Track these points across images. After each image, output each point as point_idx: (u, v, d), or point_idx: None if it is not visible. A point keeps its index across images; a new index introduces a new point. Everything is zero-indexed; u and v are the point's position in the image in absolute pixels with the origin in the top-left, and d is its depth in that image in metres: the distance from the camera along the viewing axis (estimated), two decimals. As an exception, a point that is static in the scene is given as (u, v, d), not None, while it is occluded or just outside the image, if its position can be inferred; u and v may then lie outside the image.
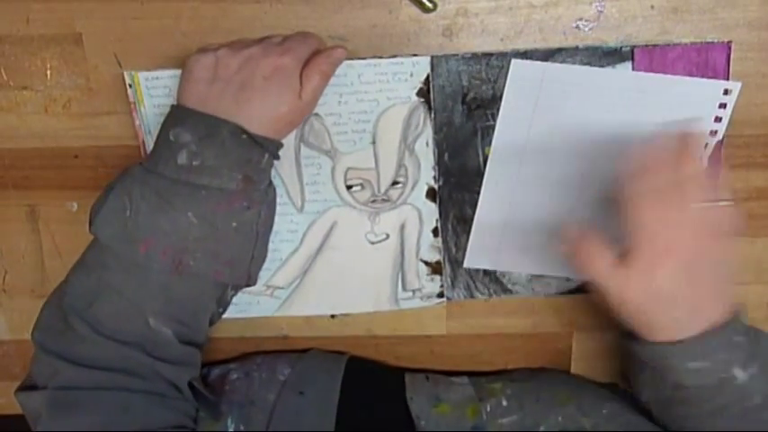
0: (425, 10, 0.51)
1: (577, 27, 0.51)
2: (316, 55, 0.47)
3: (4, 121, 0.55)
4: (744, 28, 0.50)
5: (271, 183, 0.50)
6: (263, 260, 0.51)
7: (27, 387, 0.48)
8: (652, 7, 0.50)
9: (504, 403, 0.53)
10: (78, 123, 0.55)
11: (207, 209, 0.44)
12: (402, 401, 0.53)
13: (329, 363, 0.58)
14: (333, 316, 0.60)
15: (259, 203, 0.47)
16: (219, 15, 0.52)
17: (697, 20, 0.50)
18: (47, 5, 0.52)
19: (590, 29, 0.51)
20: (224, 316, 0.54)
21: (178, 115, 0.46)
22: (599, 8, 0.51)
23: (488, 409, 0.53)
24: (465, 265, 0.57)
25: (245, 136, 0.44)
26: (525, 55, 0.51)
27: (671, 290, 0.41)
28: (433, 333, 0.62)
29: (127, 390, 0.45)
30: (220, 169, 0.44)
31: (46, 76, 0.54)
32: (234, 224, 0.46)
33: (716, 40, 0.50)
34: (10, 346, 0.64)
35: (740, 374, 0.43)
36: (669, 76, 0.50)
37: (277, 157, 0.48)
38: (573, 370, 0.63)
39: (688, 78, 0.50)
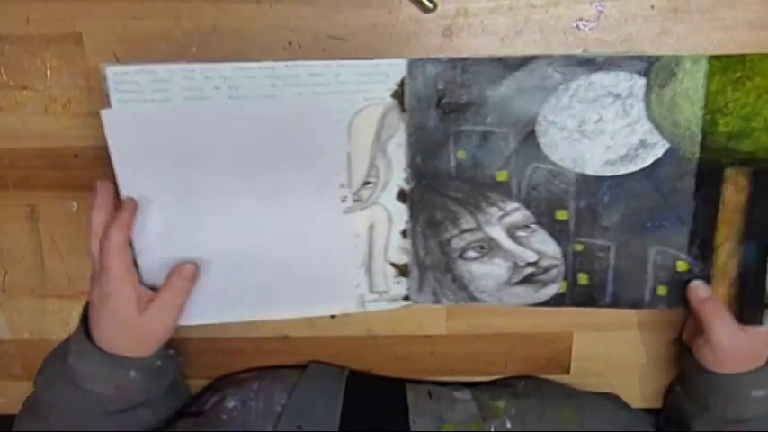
0: (425, 10, 0.51)
1: (577, 27, 0.51)
2: (170, 274, 0.50)
3: (4, 121, 0.55)
4: (744, 28, 0.50)
5: (167, 385, 0.54)
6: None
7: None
8: (652, 7, 0.50)
9: (508, 425, 0.54)
10: (78, 123, 0.55)
11: (91, 406, 0.50)
12: (405, 426, 0.53)
13: (327, 388, 0.57)
14: (333, 316, 0.60)
15: (140, 406, 0.51)
16: (219, 15, 0.52)
17: (697, 20, 0.50)
18: (47, 5, 0.52)
19: (590, 29, 0.51)
20: (203, 323, 0.54)
21: (79, 322, 0.51)
22: (599, 8, 0.51)
23: (492, 429, 0.53)
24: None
25: (104, 356, 0.49)
26: (500, 62, 0.50)
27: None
28: (432, 333, 0.62)
29: None
30: (96, 379, 0.49)
31: (46, 76, 0.54)
32: (115, 420, 0.51)
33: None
34: (10, 346, 0.64)
35: None
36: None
37: (149, 372, 0.51)
38: (573, 370, 0.63)
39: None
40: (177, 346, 0.56)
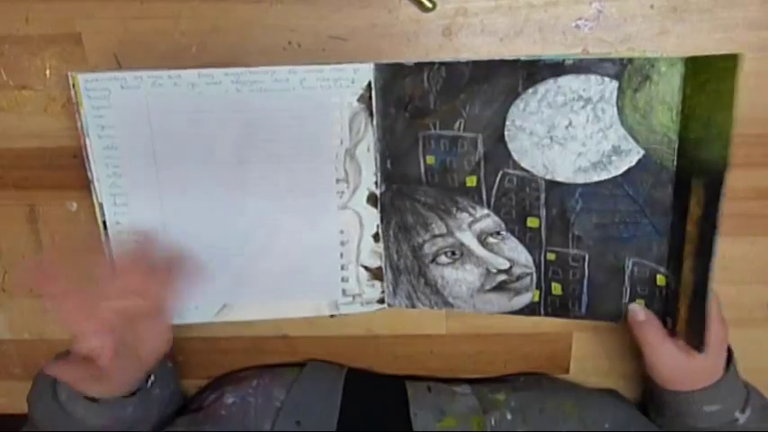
0: (425, 10, 0.51)
1: (577, 27, 0.51)
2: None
3: (4, 121, 0.55)
4: (744, 28, 0.50)
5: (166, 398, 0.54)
6: None
7: None
8: (652, 7, 0.50)
9: (509, 416, 0.54)
10: (78, 123, 0.55)
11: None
12: (405, 419, 0.53)
13: (326, 383, 0.57)
14: (332, 315, 0.60)
15: (136, 423, 0.51)
16: (219, 15, 0.52)
17: (697, 20, 0.50)
18: (47, 5, 0.52)
19: (590, 28, 0.51)
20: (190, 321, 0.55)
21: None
22: (599, 8, 0.51)
23: (493, 422, 0.53)
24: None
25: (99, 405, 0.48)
26: (467, 66, 0.49)
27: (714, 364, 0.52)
28: (433, 333, 0.62)
29: None
30: (87, 418, 0.49)
31: (46, 76, 0.54)
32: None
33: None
34: (10, 346, 0.64)
35: (740, 417, 0.51)
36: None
37: (147, 400, 0.51)
38: (573, 370, 0.63)
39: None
40: (175, 349, 0.56)
